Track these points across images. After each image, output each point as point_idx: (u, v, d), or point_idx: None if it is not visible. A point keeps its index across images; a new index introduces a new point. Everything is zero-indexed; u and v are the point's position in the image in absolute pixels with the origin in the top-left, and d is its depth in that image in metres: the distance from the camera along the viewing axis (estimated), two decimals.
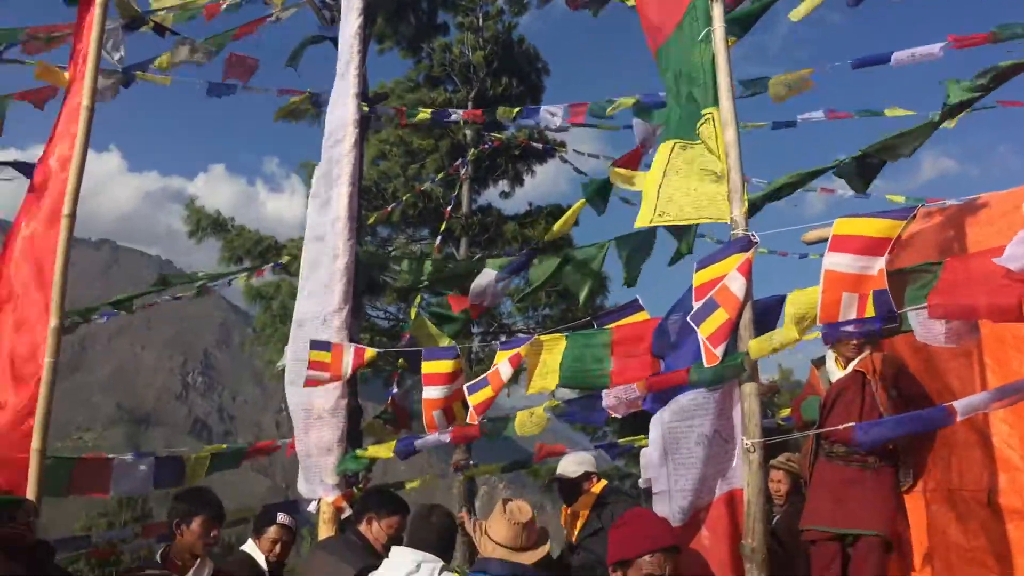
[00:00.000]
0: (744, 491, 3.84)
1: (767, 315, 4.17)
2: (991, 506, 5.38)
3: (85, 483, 6.63)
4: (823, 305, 3.82)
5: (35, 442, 5.64)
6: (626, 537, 3.80)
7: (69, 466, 6.60)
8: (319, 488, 6.06)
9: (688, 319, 4.16)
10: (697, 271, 4.27)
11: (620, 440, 12.16)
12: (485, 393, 5.01)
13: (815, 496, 6.00)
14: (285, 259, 10.81)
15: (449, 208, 10.65)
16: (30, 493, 5.39)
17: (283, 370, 7.83)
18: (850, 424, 4.16)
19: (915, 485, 5.74)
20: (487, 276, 6.30)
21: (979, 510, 5.44)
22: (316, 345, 5.66)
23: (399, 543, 5.14)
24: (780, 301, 4.18)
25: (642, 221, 4.51)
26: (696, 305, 4.15)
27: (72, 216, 5.92)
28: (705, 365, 4.02)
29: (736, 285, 4.04)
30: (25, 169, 6.53)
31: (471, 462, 14.12)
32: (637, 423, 14.51)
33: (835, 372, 5.92)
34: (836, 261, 3.87)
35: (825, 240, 4.05)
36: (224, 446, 8.07)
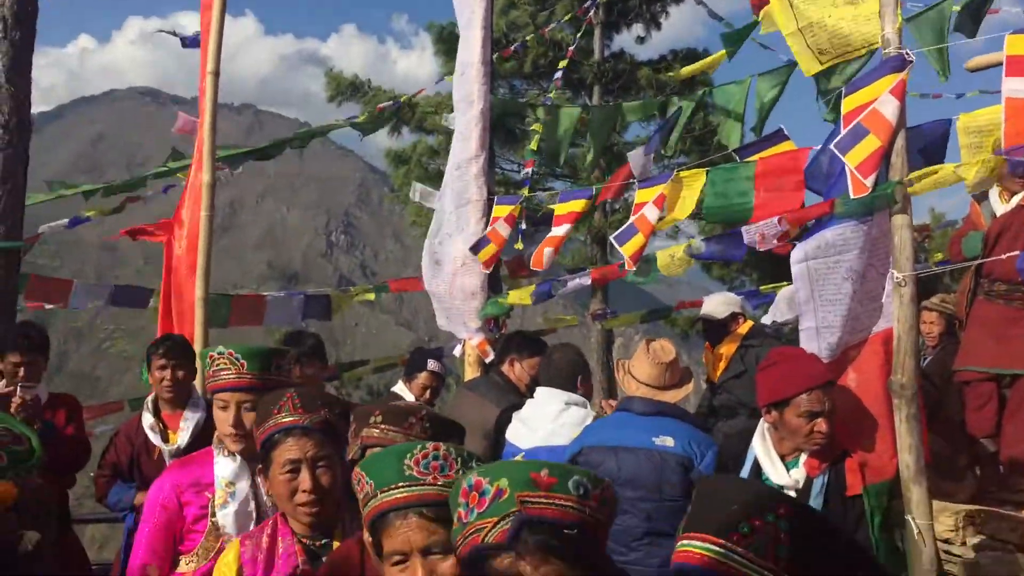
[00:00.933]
0: (894, 326, 3.71)
1: (928, 143, 3.90)
2: None
3: (242, 316, 7.66)
4: (1007, 135, 3.51)
5: (198, 291, 6.03)
6: (780, 376, 3.71)
7: (228, 302, 7.66)
8: (463, 332, 6.21)
9: (832, 147, 3.93)
10: (846, 96, 3.99)
11: (761, 288, 11.95)
12: (636, 241, 4.92)
13: (972, 336, 5.79)
14: (406, 98, 10.73)
15: (572, 47, 10.18)
16: (197, 337, 5.81)
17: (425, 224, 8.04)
18: (1015, 253, 3.91)
19: None
20: (639, 153, 6.00)
21: None
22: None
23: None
24: (944, 126, 3.90)
25: (811, 70, 4.27)
26: (843, 132, 3.91)
27: (216, 73, 6.06)
28: (852, 196, 3.83)
29: (888, 109, 3.76)
30: (183, 38, 6.74)
31: (608, 311, 14.21)
32: (777, 271, 14.21)
33: (998, 206, 5.58)
34: (1017, 87, 3.53)
35: (993, 66, 3.72)
36: (369, 288, 8.50)
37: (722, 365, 6.17)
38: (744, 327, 6.18)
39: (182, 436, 4.91)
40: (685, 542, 1.32)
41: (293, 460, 2.64)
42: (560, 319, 12.37)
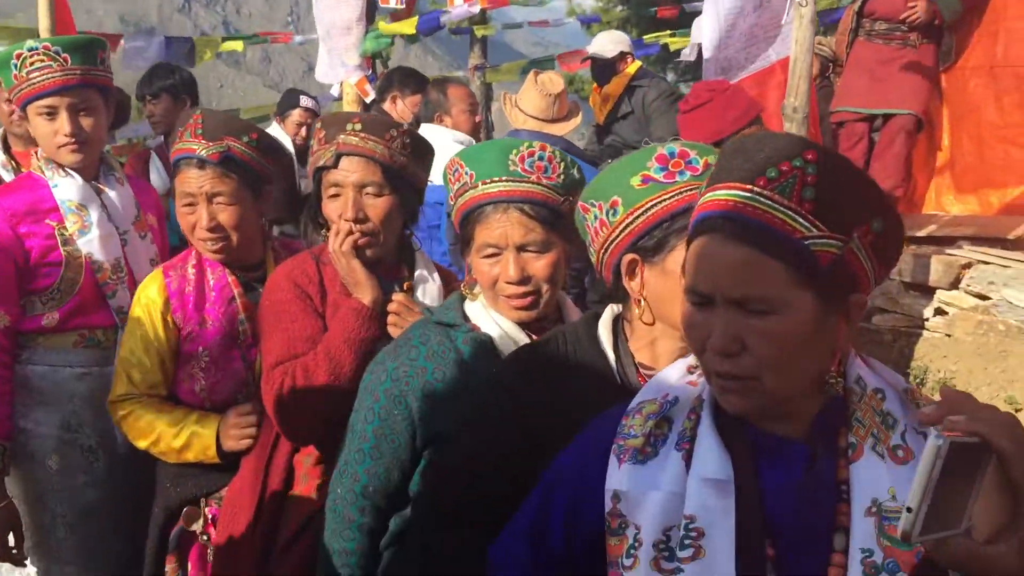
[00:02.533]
0: (791, 48, 3.65)
1: None
2: None
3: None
4: None
5: (43, 23, 5.49)
6: (716, 115, 3.55)
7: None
8: (340, 70, 5.84)
9: None
10: None
11: (645, 37, 11.80)
12: None
13: (849, 77, 5.87)
14: None
15: None
16: None
17: None
18: None
19: (956, 62, 5.57)
20: None
21: (1020, 85, 5.33)
22: None
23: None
24: None
25: None
26: None
27: None
28: None
29: None
30: None
31: (487, 65, 13.81)
32: (660, 21, 14.04)
33: None
34: None
35: None
36: (237, 37, 7.89)
37: (609, 106, 6.11)
38: (632, 67, 6.08)
39: None
40: (708, 194, 1.29)
41: (188, 193, 2.44)
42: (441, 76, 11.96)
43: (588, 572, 1.43)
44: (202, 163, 2.41)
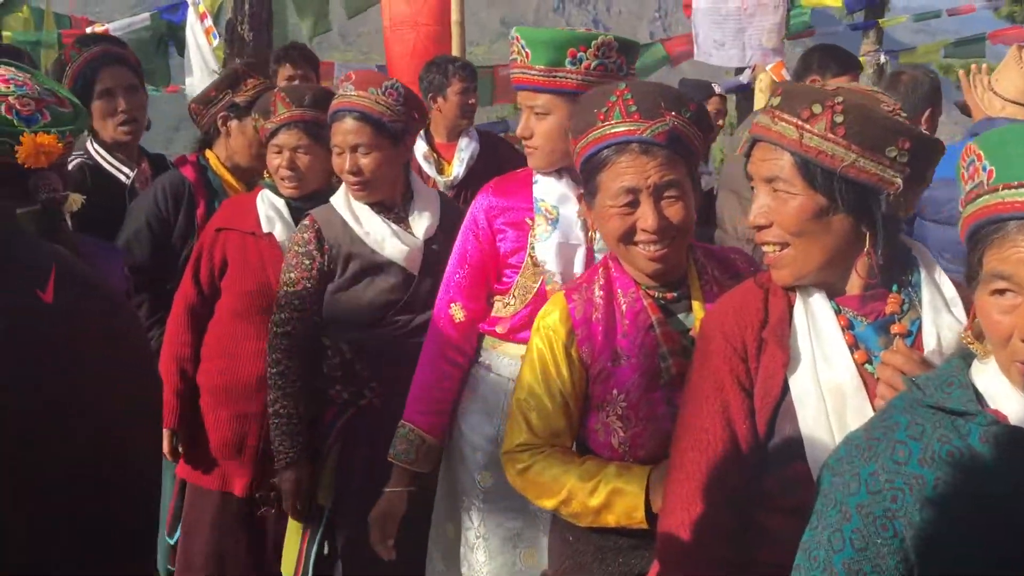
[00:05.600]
0: None
1: None
2: None
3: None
4: None
5: (454, 15, 6.15)
6: None
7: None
8: (756, 53, 5.23)
9: None
10: None
11: None
12: None
13: None
14: None
15: None
16: None
17: None
18: None
19: None
20: None
21: None
22: None
23: None
24: None
25: None
26: None
27: None
28: None
29: None
30: None
31: (884, 51, 12.60)
32: None
33: None
34: None
35: None
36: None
37: None
38: None
39: (457, 167, 4.68)
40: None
41: (630, 189, 1.93)
42: None
43: None
44: (646, 147, 1.91)
